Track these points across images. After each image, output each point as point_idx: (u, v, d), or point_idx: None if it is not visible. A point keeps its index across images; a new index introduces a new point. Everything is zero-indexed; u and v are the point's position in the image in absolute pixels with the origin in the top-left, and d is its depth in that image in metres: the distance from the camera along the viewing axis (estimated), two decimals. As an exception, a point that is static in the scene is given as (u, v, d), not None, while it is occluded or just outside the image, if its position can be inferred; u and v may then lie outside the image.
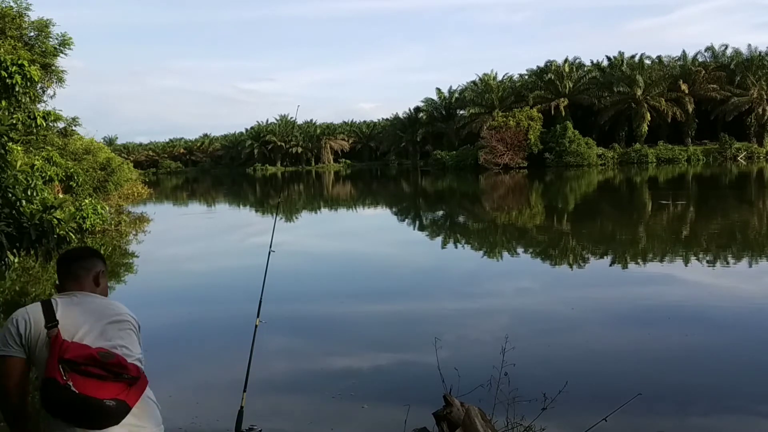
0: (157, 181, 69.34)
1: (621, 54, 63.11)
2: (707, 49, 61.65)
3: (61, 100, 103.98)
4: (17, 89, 7.31)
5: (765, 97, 56.31)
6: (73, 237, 5.53)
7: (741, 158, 54.89)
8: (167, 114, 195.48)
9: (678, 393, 5.28)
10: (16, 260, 5.12)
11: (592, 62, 64.87)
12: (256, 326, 3.97)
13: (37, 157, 12.69)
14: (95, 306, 2.36)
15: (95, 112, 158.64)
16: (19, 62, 7.36)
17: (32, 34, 16.47)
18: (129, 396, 2.12)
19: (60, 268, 2.48)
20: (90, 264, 2.50)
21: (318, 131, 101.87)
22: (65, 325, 2.22)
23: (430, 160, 68.99)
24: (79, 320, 2.27)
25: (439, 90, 76.53)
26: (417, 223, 22.48)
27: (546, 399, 3.89)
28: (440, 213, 26.32)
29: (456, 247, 15.59)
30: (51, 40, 16.68)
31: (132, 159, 68.05)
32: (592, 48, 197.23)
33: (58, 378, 2.06)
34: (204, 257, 14.82)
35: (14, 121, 7.90)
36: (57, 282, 2.48)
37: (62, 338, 2.17)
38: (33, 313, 2.23)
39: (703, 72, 58.30)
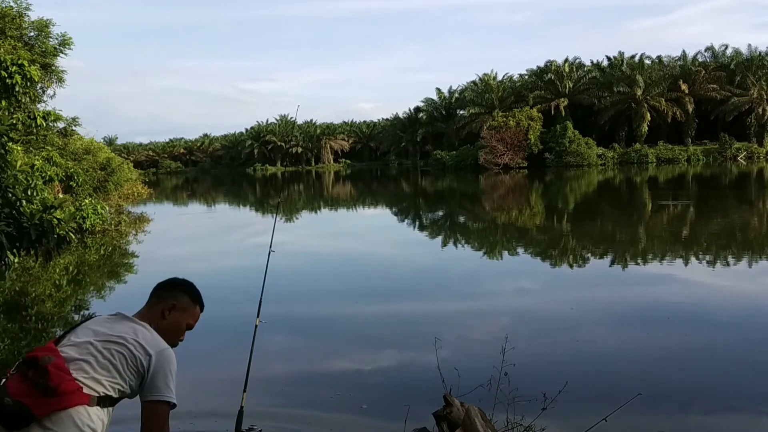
0: (157, 181, 69.34)
1: (621, 54, 63.20)
2: (707, 49, 61.78)
3: (61, 100, 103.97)
4: (17, 89, 7.32)
5: (765, 97, 56.33)
6: (73, 237, 5.53)
7: (741, 158, 54.90)
8: (167, 114, 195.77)
9: (678, 393, 5.28)
10: (16, 260, 5.12)
11: (592, 62, 64.98)
12: (256, 326, 3.97)
13: (37, 157, 12.69)
14: (116, 326, 2.29)
15: (95, 112, 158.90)
16: (19, 62, 7.37)
17: (32, 34, 16.49)
18: (37, 404, 1.98)
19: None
20: (168, 295, 2.46)
21: (318, 131, 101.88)
22: (72, 336, 2.23)
23: (430, 160, 69.00)
24: (84, 333, 2.25)
25: (439, 90, 76.67)
26: (417, 223, 22.48)
27: (546, 399, 3.89)
28: (440, 213, 26.33)
29: (456, 247, 15.59)
30: (51, 40, 16.70)
31: (132, 159, 68.09)
32: (592, 48, 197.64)
33: (7, 374, 2.09)
34: (204, 257, 14.82)
35: (14, 121, 7.91)
36: None
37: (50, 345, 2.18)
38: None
39: (703, 72, 58.32)
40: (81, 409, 2.06)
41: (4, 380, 2.05)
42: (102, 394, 2.13)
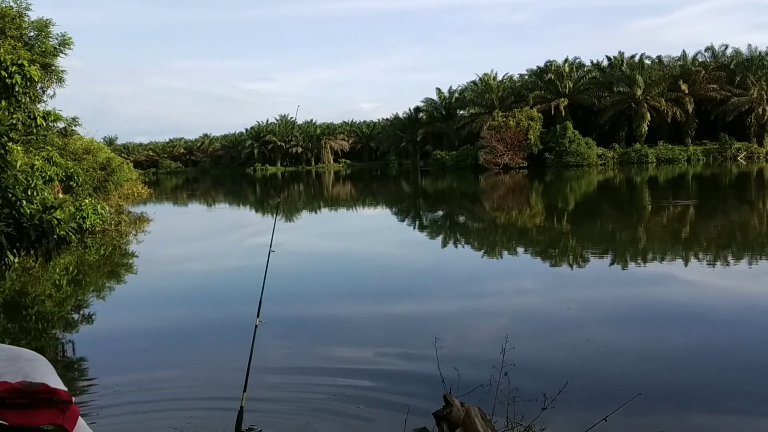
0: (157, 181, 69.35)
1: (621, 54, 63.16)
2: (707, 49, 61.72)
3: (61, 100, 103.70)
4: (17, 89, 7.32)
5: (765, 97, 56.31)
6: (73, 237, 5.53)
7: (741, 158, 54.88)
8: (167, 114, 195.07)
9: (678, 393, 5.28)
10: (16, 260, 5.12)
11: (592, 62, 64.90)
12: (256, 326, 3.97)
13: (37, 157, 12.69)
14: (4, 353, 2.32)
15: (95, 112, 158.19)
16: (19, 62, 7.37)
17: (32, 34, 16.50)
18: (65, 421, 2.01)
19: None
20: None
21: (318, 131, 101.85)
22: None
23: (430, 160, 68.97)
24: None
25: (439, 90, 76.57)
26: (417, 223, 22.48)
27: (546, 399, 3.89)
28: (440, 213, 26.32)
29: (456, 247, 15.59)
30: (51, 40, 16.71)
31: (132, 159, 67.93)
32: (592, 48, 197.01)
33: None
34: (204, 257, 14.82)
35: (14, 121, 7.90)
36: None
37: None
38: None
39: (703, 72, 58.30)
40: (83, 421, 2.11)
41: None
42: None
